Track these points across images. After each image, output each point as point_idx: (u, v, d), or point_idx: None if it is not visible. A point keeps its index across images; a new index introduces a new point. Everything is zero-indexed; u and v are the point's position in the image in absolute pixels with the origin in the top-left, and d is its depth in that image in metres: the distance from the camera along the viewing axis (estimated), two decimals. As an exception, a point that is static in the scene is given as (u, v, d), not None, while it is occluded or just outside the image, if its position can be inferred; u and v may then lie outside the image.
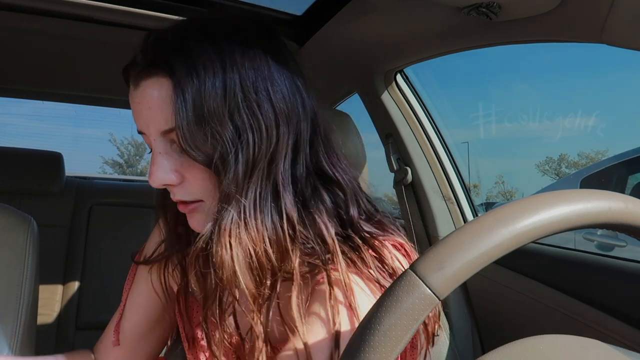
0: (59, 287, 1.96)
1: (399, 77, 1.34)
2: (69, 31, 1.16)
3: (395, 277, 0.53)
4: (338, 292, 0.53)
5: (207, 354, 0.63)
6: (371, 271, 0.55)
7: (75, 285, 1.96)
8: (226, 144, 0.52)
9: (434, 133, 1.40)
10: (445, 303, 1.25)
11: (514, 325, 1.18)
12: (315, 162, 0.58)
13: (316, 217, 0.56)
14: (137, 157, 24.67)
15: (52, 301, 1.93)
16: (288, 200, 0.55)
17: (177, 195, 0.56)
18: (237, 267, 0.52)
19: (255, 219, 0.53)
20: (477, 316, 1.30)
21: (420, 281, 0.34)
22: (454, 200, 1.39)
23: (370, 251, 0.56)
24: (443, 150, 1.41)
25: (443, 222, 1.38)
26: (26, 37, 1.23)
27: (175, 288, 0.69)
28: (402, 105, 1.36)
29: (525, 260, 1.14)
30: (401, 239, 0.60)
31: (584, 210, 0.37)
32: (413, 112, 1.38)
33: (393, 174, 1.43)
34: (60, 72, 1.53)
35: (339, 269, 0.54)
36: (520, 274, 1.15)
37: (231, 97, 0.52)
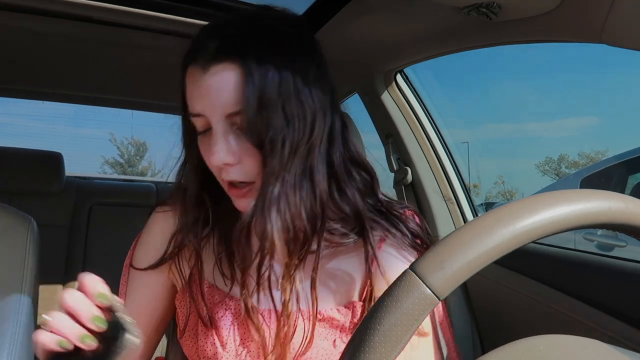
0: (59, 287, 1.96)
1: (399, 77, 1.34)
2: (69, 31, 1.15)
3: (423, 241, 0.67)
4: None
5: (224, 333, 0.65)
6: (407, 239, 0.67)
7: (75, 285, 1.94)
8: (277, 129, 0.57)
9: (434, 133, 1.40)
10: (445, 303, 1.25)
11: (514, 325, 1.18)
12: (347, 149, 0.65)
13: (350, 195, 0.64)
14: (138, 157, 24.67)
15: (52, 301, 1.92)
16: (323, 181, 0.62)
17: (231, 175, 0.60)
18: (275, 238, 0.58)
19: (294, 196, 0.59)
20: (477, 316, 1.30)
21: (420, 281, 0.34)
22: (454, 200, 1.39)
23: (402, 223, 0.68)
24: (443, 150, 1.41)
25: (443, 222, 1.38)
26: (26, 37, 1.22)
27: (185, 275, 0.70)
28: (402, 105, 1.36)
29: (525, 260, 1.14)
30: (411, 209, 0.73)
31: (584, 211, 0.37)
32: (413, 112, 1.38)
33: (393, 174, 1.43)
34: (60, 72, 1.53)
35: (370, 239, 0.64)
36: (520, 274, 1.15)
37: (285, 87, 0.58)
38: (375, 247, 0.65)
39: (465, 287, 1.31)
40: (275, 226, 0.59)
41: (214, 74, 0.58)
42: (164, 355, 0.85)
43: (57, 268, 1.96)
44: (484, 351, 0.85)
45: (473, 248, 0.35)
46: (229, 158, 0.59)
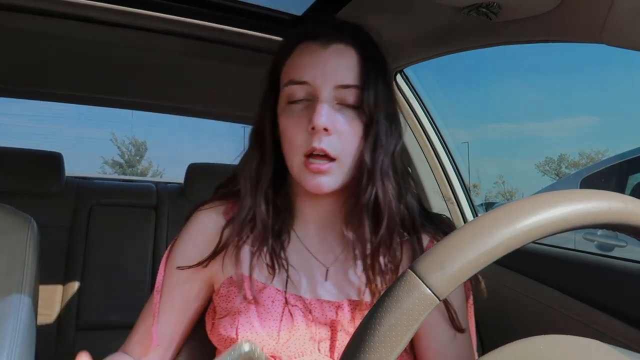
0: (59, 288, 1.96)
1: (399, 77, 1.34)
2: (69, 31, 1.15)
3: None
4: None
5: (272, 323, 0.68)
6: None
7: (75, 285, 1.96)
8: (381, 109, 0.68)
9: (434, 133, 1.40)
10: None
11: (514, 325, 1.18)
12: (402, 158, 0.73)
13: (408, 198, 0.72)
14: (138, 158, 24.67)
15: (52, 301, 1.93)
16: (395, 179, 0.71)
17: (323, 143, 0.65)
18: (393, 208, 0.68)
19: (388, 181, 0.69)
20: (477, 316, 1.30)
21: (420, 281, 0.34)
22: (454, 201, 1.39)
23: (447, 227, 0.75)
24: (443, 151, 1.41)
25: (443, 222, 1.38)
26: (26, 37, 1.23)
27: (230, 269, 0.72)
28: (402, 105, 1.36)
29: (525, 260, 1.14)
30: (445, 217, 0.80)
31: (584, 211, 0.37)
32: (413, 112, 1.38)
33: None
34: (60, 72, 1.53)
35: (421, 240, 0.71)
36: (520, 274, 1.15)
37: (387, 79, 0.71)
38: (424, 248, 0.72)
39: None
40: (383, 196, 0.67)
41: (335, 50, 0.68)
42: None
43: (57, 268, 1.96)
44: (484, 351, 0.85)
45: (473, 248, 0.35)
46: (330, 123, 0.64)
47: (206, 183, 2.34)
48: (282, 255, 0.71)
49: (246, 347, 0.44)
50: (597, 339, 0.39)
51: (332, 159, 0.66)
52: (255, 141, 0.74)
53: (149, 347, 0.73)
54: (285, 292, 0.69)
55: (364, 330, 0.34)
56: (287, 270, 0.70)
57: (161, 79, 1.54)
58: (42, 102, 2.00)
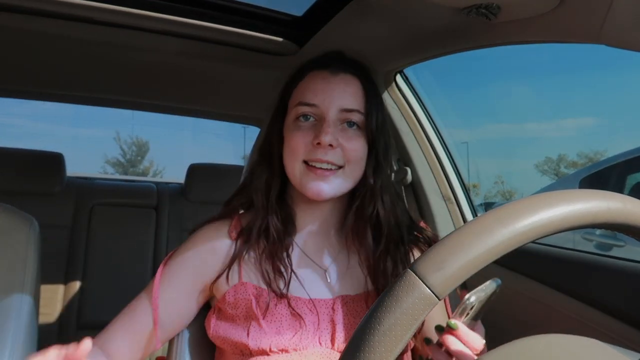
0: (60, 287, 1.96)
1: (398, 78, 1.34)
2: (69, 32, 1.16)
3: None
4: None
5: (278, 325, 0.73)
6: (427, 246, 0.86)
7: (76, 285, 1.96)
8: (382, 129, 0.79)
9: (434, 133, 1.40)
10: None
11: (513, 325, 1.18)
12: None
13: (398, 210, 0.82)
14: (139, 158, 24.66)
15: (53, 301, 1.93)
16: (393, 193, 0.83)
17: (328, 156, 0.74)
18: (384, 224, 0.79)
19: (387, 195, 0.81)
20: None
21: (420, 281, 0.34)
22: (454, 201, 1.39)
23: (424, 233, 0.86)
24: (443, 151, 1.41)
25: (443, 222, 1.38)
26: (26, 37, 1.23)
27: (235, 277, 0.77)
28: (401, 105, 1.36)
29: (525, 260, 1.14)
30: (421, 220, 0.92)
31: (583, 211, 0.38)
32: (413, 112, 1.38)
33: (393, 174, 1.43)
34: (61, 72, 1.53)
35: (405, 245, 0.81)
36: (520, 274, 1.15)
37: (384, 114, 0.82)
38: (408, 251, 0.82)
39: (465, 286, 1.31)
40: (383, 211, 0.79)
41: (342, 78, 0.78)
42: (164, 355, 0.86)
43: (59, 268, 1.97)
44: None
45: (473, 248, 0.35)
46: (334, 141, 0.74)
47: (206, 183, 2.37)
48: (287, 261, 0.76)
49: (495, 283, 0.54)
50: (597, 339, 0.40)
51: (339, 167, 0.75)
52: (264, 156, 0.81)
53: (146, 350, 0.75)
54: (289, 295, 0.74)
55: (364, 329, 0.34)
56: (290, 276, 0.75)
57: (161, 79, 1.54)
58: (42, 102, 2.00)
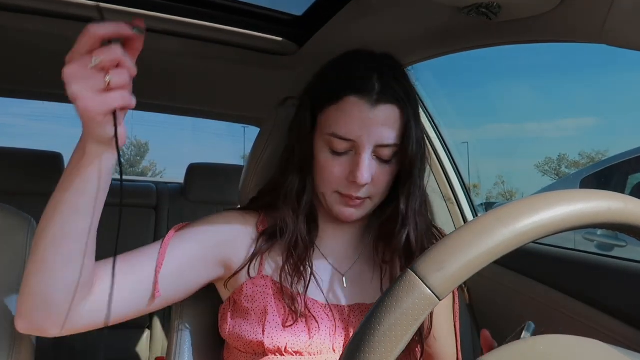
0: (59, 287, 1.96)
1: (399, 77, 1.34)
2: (69, 32, 1.15)
3: None
4: None
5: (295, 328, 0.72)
6: None
7: (75, 285, 1.96)
8: (418, 163, 0.75)
9: (434, 133, 1.40)
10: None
11: (514, 325, 1.18)
12: None
13: (425, 224, 0.80)
14: (139, 158, 24.67)
15: (52, 301, 1.93)
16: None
17: (361, 191, 0.73)
18: (413, 243, 0.77)
19: (420, 219, 0.78)
20: (477, 316, 1.30)
21: (420, 281, 0.34)
22: (454, 201, 1.39)
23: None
24: (443, 150, 1.41)
25: (443, 222, 1.38)
26: (26, 37, 1.23)
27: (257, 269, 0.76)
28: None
29: (525, 260, 1.14)
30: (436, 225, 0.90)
31: (584, 210, 0.37)
32: (413, 112, 1.38)
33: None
34: (60, 72, 1.53)
35: None
36: (520, 274, 1.14)
37: (421, 136, 0.76)
38: None
39: (465, 287, 1.31)
40: (414, 234, 0.76)
41: (381, 111, 0.71)
42: (164, 355, 0.86)
43: (58, 268, 1.96)
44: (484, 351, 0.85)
45: (473, 248, 0.35)
46: (370, 177, 0.71)
47: (206, 183, 2.37)
48: (308, 264, 0.75)
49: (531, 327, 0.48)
50: (597, 339, 0.39)
51: (365, 199, 0.74)
52: (295, 167, 0.77)
53: (147, 295, 0.70)
54: (306, 297, 0.74)
55: (364, 330, 0.34)
56: (309, 278, 0.75)
57: (161, 79, 1.54)
58: (42, 102, 2.00)
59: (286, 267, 0.74)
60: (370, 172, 0.72)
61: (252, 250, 0.76)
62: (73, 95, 0.51)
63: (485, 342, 0.61)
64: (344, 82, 0.73)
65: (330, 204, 0.76)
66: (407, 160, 0.74)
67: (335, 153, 0.73)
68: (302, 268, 0.74)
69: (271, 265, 0.76)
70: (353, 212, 0.75)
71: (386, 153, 0.72)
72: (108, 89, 0.52)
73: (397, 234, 0.76)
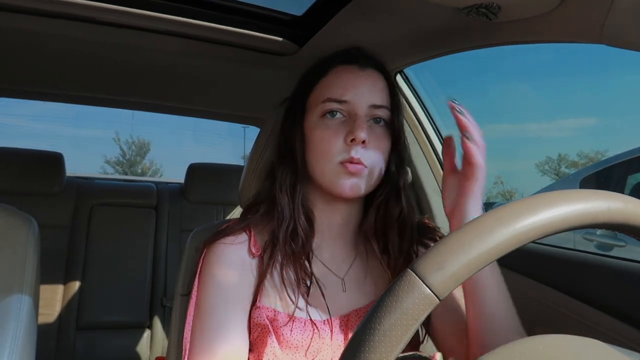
0: (60, 287, 1.96)
1: (398, 78, 1.34)
2: (70, 31, 1.15)
3: None
4: None
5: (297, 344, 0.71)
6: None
7: (76, 285, 1.96)
8: (402, 128, 0.79)
9: (434, 133, 1.40)
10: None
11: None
12: None
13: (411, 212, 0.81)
14: (139, 158, 24.67)
15: (53, 301, 1.93)
16: None
17: (359, 153, 0.72)
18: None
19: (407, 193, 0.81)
20: (477, 316, 1.29)
21: (420, 281, 0.34)
22: (454, 200, 1.38)
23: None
24: (443, 150, 1.40)
25: (443, 222, 1.38)
26: (27, 37, 1.23)
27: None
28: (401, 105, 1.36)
29: (525, 260, 1.14)
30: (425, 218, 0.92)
31: (584, 210, 0.37)
32: (413, 112, 1.38)
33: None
34: (61, 72, 1.53)
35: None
36: (521, 274, 1.15)
37: (403, 112, 0.81)
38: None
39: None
40: (407, 210, 0.78)
41: (370, 74, 0.76)
42: (164, 355, 0.86)
43: (58, 268, 1.97)
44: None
45: (473, 248, 0.35)
46: (367, 137, 0.71)
47: (206, 183, 2.37)
48: (308, 271, 0.73)
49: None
50: (597, 339, 0.40)
51: (365, 167, 0.73)
52: (287, 158, 0.77)
53: None
54: (306, 318, 0.71)
55: (364, 329, 0.34)
56: (310, 289, 0.73)
57: (161, 79, 1.54)
58: (42, 102, 2.00)
59: (286, 282, 0.72)
60: (367, 132, 0.72)
61: (255, 280, 0.74)
62: None
63: (447, 148, 0.71)
64: (330, 58, 0.80)
65: (332, 179, 0.73)
66: (396, 128, 0.77)
67: (329, 120, 0.74)
68: (302, 278, 0.72)
69: (269, 287, 0.73)
70: (355, 182, 0.72)
71: (379, 113, 0.75)
72: None
73: (394, 206, 0.77)
